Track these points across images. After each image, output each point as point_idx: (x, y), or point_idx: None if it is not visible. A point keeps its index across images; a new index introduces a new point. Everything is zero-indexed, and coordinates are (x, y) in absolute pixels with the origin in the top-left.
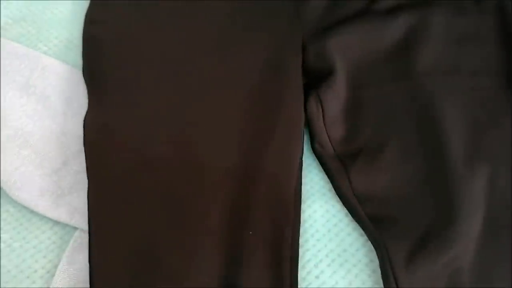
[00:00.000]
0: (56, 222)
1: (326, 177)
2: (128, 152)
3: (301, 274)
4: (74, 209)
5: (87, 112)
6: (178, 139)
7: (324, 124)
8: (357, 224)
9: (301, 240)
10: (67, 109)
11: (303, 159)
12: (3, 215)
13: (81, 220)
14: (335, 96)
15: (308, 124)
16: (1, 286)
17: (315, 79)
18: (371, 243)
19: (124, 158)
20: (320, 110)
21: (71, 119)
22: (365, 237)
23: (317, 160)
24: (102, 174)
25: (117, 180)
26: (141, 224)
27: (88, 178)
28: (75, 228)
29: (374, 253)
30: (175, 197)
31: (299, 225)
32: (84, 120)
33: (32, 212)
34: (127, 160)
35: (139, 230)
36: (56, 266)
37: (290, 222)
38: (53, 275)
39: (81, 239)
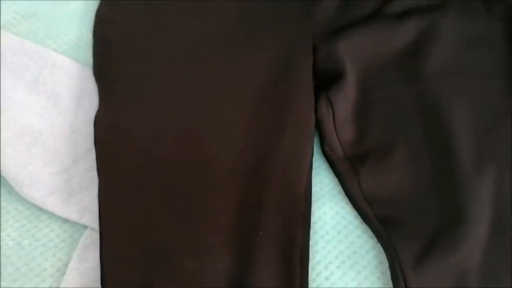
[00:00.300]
0: (66, 220)
1: (335, 179)
2: (138, 151)
3: (311, 275)
4: (84, 208)
5: (97, 111)
6: (188, 138)
7: (334, 126)
8: (367, 226)
9: (311, 242)
10: (77, 107)
11: (313, 160)
12: (12, 213)
13: (91, 219)
14: (345, 98)
15: (318, 126)
16: (11, 284)
17: (325, 81)
18: (381, 244)
19: (135, 157)
20: (331, 112)
21: (81, 117)
22: (375, 239)
23: (326, 162)
24: (113, 173)
25: (127, 179)
26: (152, 223)
27: (98, 177)
28: (85, 226)
29: (383, 255)
30: (185, 196)
31: (309, 227)
32: (95, 119)
33: (41, 210)
34: (138, 159)
35: (149, 229)
36: (65, 265)
37: (300, 224)
38: (62, 274)
39: (91, 237)
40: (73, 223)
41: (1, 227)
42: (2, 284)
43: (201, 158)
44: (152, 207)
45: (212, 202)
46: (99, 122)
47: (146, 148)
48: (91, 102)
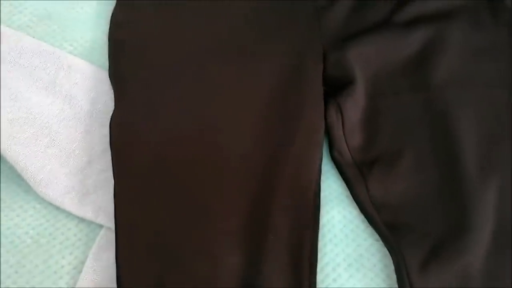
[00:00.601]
0: (82, 219)
1: (344, 184)
2: (153, 152)
3: (319, 277)
4: (99, 208)
5: (113, 113)
6: (200, 140)
7: (343, 132)
8: (374, 230)
9: (319, 245)
10: (92, 108)
11: (322, 165)
12: (30, 211)
13: (106, 219)
14: (355, 105)
15: (327, 131)
16: (29, 281)
17: (334, 87)
18: (387, 249)
19: (149, 158)
20: (340, 118)
21: (96, 118)
22: (381, 243)
23: (335, 167)
24: (128, 174)
25: (142, 179)
26: (165, 224)
27: (114, 178)
28: (100, 226)
29: (389, 258)
30: (197, 198)
31: (318, 230)
32: (111, 121)
33: (58, 209)
34: (152, 160)
35: (163, 230)
36: (82, 263)
37: (309, 227)
38: (79, 272)
39: (106, 237)
40: (89, 222)
41: (20, 226)
42: (21, 281)
43: (213, 160)
44: (166, 208)
45: (223, 204)
46: (114, 123)
47: (160, 150)
48: (106, 104)
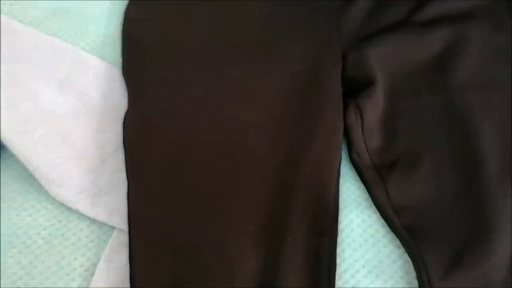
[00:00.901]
0: (94, 221)
1: (362, 186)
2: (167, 151)
3: (337, 283)
4: (112, 209)
5: (126, 111)
6: (218, 141)
7: (362, 134)
8: (394, 235)
9: (338, 250)
10: (104, 106)
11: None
12: (42, 212)
13: (119, 220)
14: (374, 106)
15: (346, 133)
16: (42, 282)
17: (353, 88)
18: (408, 254)
19: (164, 157)
20: (359, 120)
21: (108, 117)
22: (402, 249)
23: (353, 170)
24: (142, 174)
25: (157, 179)
26: (181, 224)
27: (127, 177)
28: (113, 227)
29: (410, 264)
30: (214, 198)
31: (337, 234)
32: (124, 119)
33: (70, 209)
34: (167, 160)
35: (178, 230)
36: (94, 265)
37: (328, 230)
38: (91, 273)
39: (119, 239)
40: (101, 224)
41: (32, 226)
42: (33, 282)
43: (230, 161)
44: (181, 208)
45: (240, 205)
46: (128, 122)
47: (175, 149)
48: (118, 101)
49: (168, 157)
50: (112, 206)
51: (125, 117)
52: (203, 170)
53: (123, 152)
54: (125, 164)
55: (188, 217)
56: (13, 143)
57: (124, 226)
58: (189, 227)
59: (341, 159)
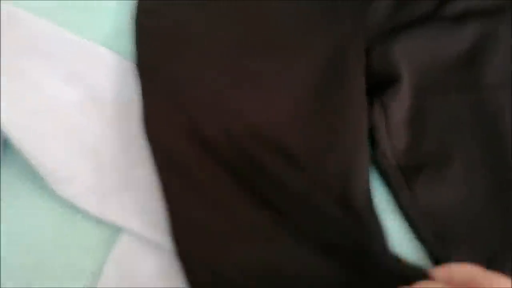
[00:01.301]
0: (100, 222)
1: (386, 189)
2: (193, 145)
3: None
4: (123, 209)
5: (144, 105)
6: (236, 134)
7: (388, 133)
8: (419, 243)
9: None
10: (115, 100)
11: None
12: (48, 212)
13: (127, 221)
14: (400, 104)
15: (370, 132)
16: (47, 283)
17: (378, 84)
18: (434, 263)
19: (191, 151)
20: (384, 118)
21: (119, 111)
22: (427, 259)
23: (377, 172)
24: (173, 169)
25: (188, 173)
26: (219, 210)
27: (158, 175)
28: (120, 229)
29: None
30: (241, 189)
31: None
32: (145, 114)
33: (76, 210)
34: (194, 153)
35: (218, 216)
36: (101, 266)
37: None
38: (98, 275)
39: (126, 241)
40: (108, 225)
41: (37, 226)
42: (38, 283)
43: (251, 156)
44: (219, 195)
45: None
46: (145, 116)
47: (195, 144)
48: (130, 95)
49: (194, 150)
50: (123, 206)
51: (143, 112)
52: (222, 167)
53: (137, 150)
54: (153, 161)
55: (227, 206)
56: (18, 138)
57: (136, 227)
58: (226, 212)
59: (369, 159)
